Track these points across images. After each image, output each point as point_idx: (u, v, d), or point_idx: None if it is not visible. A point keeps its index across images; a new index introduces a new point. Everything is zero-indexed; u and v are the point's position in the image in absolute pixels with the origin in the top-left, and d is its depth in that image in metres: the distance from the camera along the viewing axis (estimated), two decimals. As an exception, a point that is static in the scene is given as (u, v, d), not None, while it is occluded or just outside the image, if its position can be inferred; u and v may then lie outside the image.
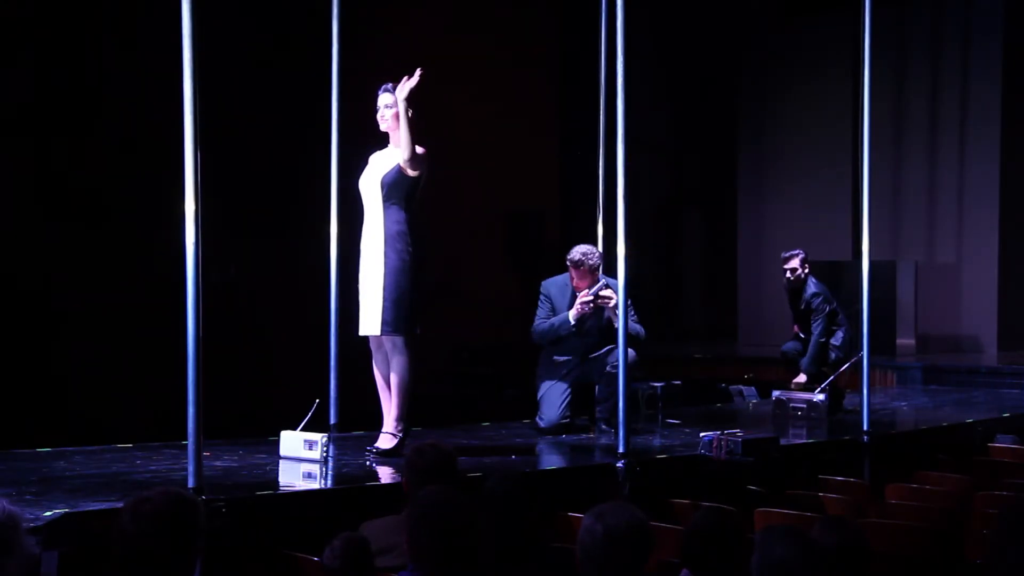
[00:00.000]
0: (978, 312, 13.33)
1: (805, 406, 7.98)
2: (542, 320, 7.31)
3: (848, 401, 8.53)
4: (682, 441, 6.94)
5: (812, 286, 8.53)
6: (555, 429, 7.15)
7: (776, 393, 8.26)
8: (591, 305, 7.09)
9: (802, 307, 8.56)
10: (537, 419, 7.28)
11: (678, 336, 15.22)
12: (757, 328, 14.05)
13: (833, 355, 8.47)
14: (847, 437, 7.32)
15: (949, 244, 13.72)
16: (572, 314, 7.14)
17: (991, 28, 13.30)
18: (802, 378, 8.39)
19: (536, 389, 7.36)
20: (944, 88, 13.77)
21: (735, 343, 14.58)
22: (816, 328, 8.41)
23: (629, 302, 6.55)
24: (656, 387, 8.14)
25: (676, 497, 5.53)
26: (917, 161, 13.87)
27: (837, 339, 8.53)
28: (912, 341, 12.58)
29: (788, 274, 8.57)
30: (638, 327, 7.11)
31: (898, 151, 13.85)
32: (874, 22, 7.29)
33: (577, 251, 7.20)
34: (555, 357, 7.32)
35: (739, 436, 6.20)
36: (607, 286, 7.02)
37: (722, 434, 6.22)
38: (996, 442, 7.78)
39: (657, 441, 7.02)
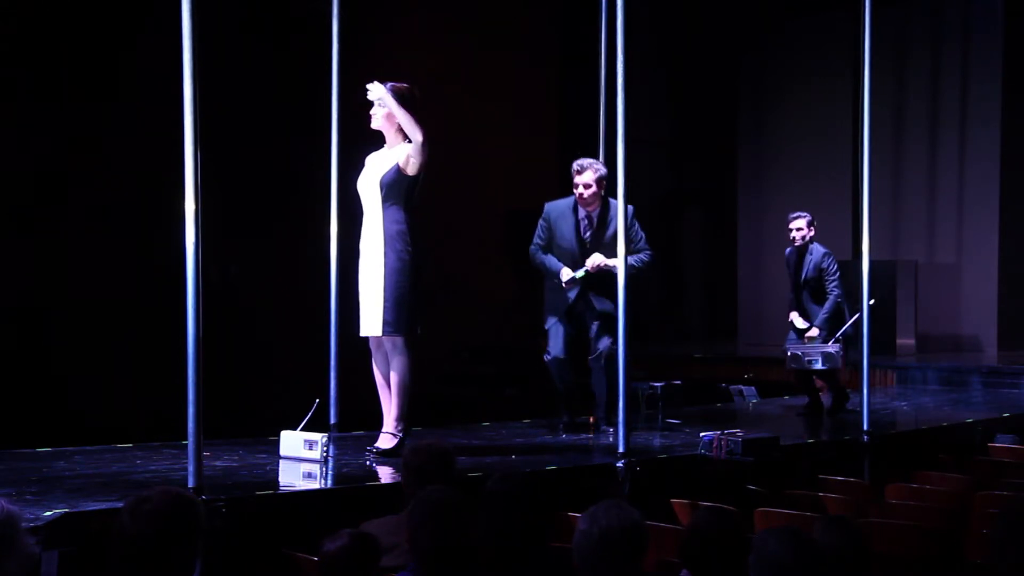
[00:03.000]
0: (978, 312, 13.33)
1: (820, 357, 8.04)
2: (537, 247, 7.31)
3: (849, 402, 8.54)
4: (682, 441, 6.93)
5: (820, 247, 8.53)
6: (558, 367, 7.25)
7: (790, 348, 8.27)
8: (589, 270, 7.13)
9: (807, 271, 8.46)
10: (544, 355, 7.38)
11: (678, 336, 15.24)
12: (757, 328, 14.06)
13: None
14: (847, 437, 7.32)
15: (949, 244, 13.72)
16: (564, 276, 7.16)
17: (991, 28, 13.30)
18: (814, 331, 8.35)
19: (544, 319, 7.43)
20: (944, 88, 13.78)
21: (735, 343, 14.59)
22: (833, 288, 8.37)
23: (636, 226, 6.99)
24: (656, 387, 8.14)
25: (676, 497, 5.53)
26: (917, 161, 13.88)
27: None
28: (912, 341, 12.58)
29: (794, 233, 8.54)
30: (641, 256, 7.15)
31: (898, 151, 13.86)
32: (874, 22, 7.29)
33: (581, 159, 7.25)
34: (556, 286, 7.33)
35: (739, 436, 6.20)
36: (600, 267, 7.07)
37: (722, 434, 6.22)
38: (996, 442, 7.78)
39: (657, 441, 7.02)
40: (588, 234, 7.22)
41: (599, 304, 7.19)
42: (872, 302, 7.39)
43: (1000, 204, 13.21)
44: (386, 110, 6.01)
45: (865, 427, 7.12)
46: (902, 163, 13.87)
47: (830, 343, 8.17)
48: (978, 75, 13.40)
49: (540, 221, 7.38)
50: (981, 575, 4.26)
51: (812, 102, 14.41)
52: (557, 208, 7.33)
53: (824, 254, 8.48)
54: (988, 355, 12.80)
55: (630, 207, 6.88)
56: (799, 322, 8.56)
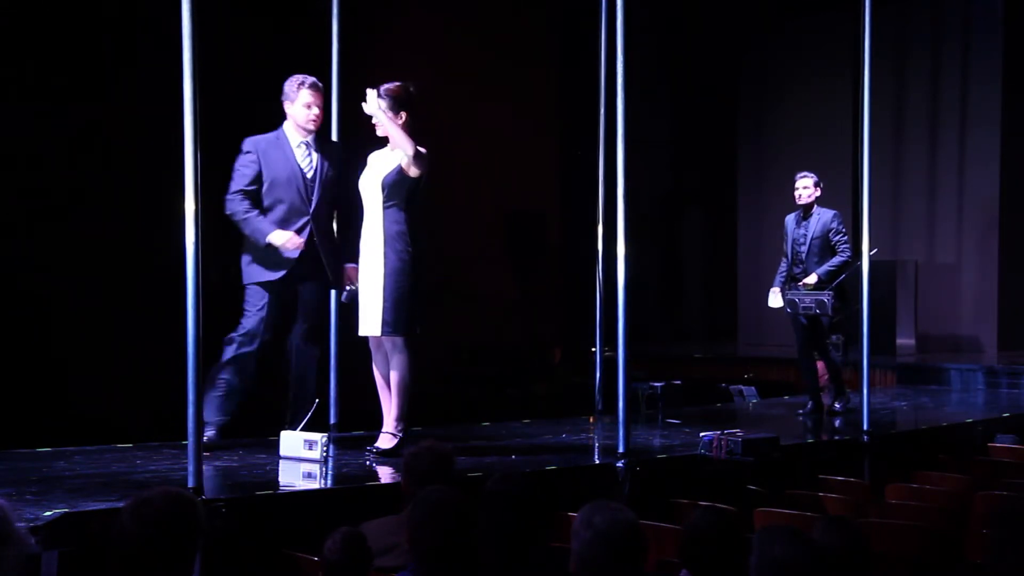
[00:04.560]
0: (978, 312, 13.34)
1: (813, 304, 8.14)
2: (239, 196, 6.27)
3: (849, 401, 8.54)
4: (682, 441, 6.94)
5: (828, 209, 8.48)
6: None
7: (790, 294, 8.27)
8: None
9: (813, 230, 8.35)
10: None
11: (678, 336, 15.24)
12: (757, 328, 14.05)
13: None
14: (847, 437, 7.33)
15: (949, 244, 13.72)
16: (275, 239, 6.19)
17: (991, 28, 13.30)
18: (813, 279, 8.32)
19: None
20: (944, 88, 13.77)
21: (735, 343, 14.59)
22: (844, 249, 8.33)
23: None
24: (656, 387, 8.15)
25: (676, 497, 5.53)
26: (917, 161, 13.87)
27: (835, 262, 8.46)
28: (912, 341, 12.58)
29: (800, 190, 8.47)
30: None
31: (898, 151, 13.85)
32: (874, 22, 7.29)
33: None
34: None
35: (739, 436, 6.21)
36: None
37: (722, 434, 6.23)
38: (996, 442, 7.79)
39: (657, 441, 7.02)
40: (319, 171, 6.27)
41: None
42: (875, 251, 7.44)
43: (1000, 204, 13.21)
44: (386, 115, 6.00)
45: (865, 427, 7.13)
46: (902, 163, 13.87)
47: (824, 291, 8.17)
48: (978, 75, 13.40)
49: (242, 159, 6.24)
50: (981, 575, 4.26)
51: (812, 102, 14.41)
52: (267, 139, 6.32)
53: (834, 215, 8.43)
54: (988, 355, 12.81)
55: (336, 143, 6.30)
56: (775, 300, 8.44)
